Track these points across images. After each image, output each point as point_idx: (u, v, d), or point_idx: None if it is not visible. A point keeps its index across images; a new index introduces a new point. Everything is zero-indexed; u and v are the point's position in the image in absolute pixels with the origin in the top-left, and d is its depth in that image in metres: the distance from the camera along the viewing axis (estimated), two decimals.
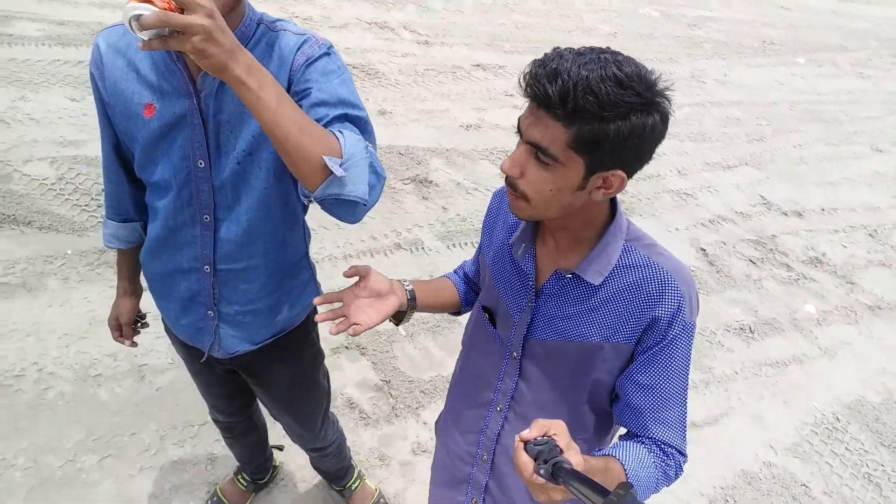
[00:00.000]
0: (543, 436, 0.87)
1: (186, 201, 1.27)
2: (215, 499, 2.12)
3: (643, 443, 1.10)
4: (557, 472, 0.82)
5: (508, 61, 5.53)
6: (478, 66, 5.30)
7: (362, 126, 1.15)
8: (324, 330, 1.75)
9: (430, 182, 3.87)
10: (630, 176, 1.00)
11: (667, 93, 0.95)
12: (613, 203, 1.12)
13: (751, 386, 3.21)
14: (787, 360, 3.43)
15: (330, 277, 3.04)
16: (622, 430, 1.20)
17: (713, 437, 2.88)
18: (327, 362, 1.77)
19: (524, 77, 0.95)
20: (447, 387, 2.73)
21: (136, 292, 1.62)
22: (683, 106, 5.73)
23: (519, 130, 1.00)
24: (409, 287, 1.28)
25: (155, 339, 2.59)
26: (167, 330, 1.58)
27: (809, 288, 4.01)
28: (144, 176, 1.30)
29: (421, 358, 2.83)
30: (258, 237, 1.33)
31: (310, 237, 1.52)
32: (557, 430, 0.88)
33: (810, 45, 8.08)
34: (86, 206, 3.07)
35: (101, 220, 1.52)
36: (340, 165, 1.02)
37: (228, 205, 1.28)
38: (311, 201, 1.12)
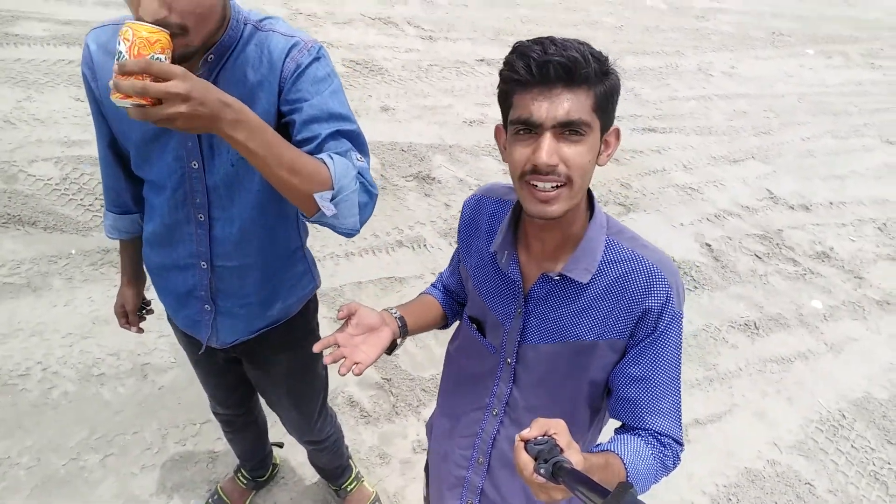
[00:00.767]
0: (544, 435, 0.87)
1: (181, 200, 1.29)
2: (216, 497, 2.14)
3: (640, 435, 1.11)
4: (558, 471, 0.82)
5: None
6: (482, 60, 5.28)
7: (354, 138, 1.17)
8: (327, 324, 1.76)
9: (433, 179, 3.87)
10: None
11: None
12: (591, 200, 1.13)
13: (755, 383, 3.18)
14: (793, 356, 3.40)
15: (332, 275, 3.05)
16: (615, 423, 1.21)
17: (716, 435, 2.87)
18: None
19: (530, 64, 0.94)
20: None
21: (140, 280, 1.65)
22: (690, 99, 5.68)
23: (530, 125, 0.97)
24: (398, 314, 1.27)
25: (158, 337, 2.61)
26: (169, 319, 1.61)
27: (816, 283, 3.98)
28: (140, 173, 1.32)
29: (422, 356, 2.83)
30: (253, 236, 1.34)
31: (306, 231, 1.53)
32: (558, 429, 0.88)
33: (820, 36, 7.98)
34: (90, 205, 3.09)
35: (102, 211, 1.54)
36: (331, 200, 1.07)
37: (223, 204, 1.29)
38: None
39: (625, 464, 1.04)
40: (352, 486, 2.19)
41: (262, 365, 1.61)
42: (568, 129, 0.96)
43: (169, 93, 0.87)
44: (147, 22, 0.93)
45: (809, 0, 9.30)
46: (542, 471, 0.84)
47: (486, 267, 1.23)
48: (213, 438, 2.34)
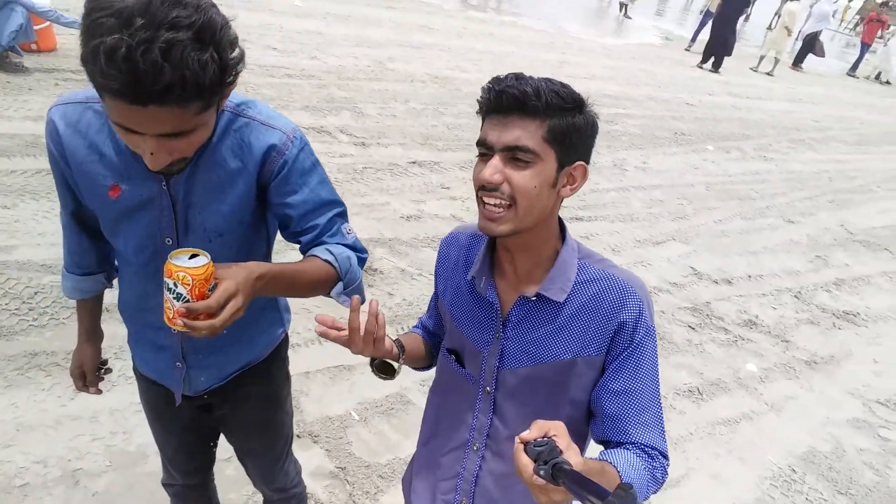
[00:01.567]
0: (543, 437, 0.87)
1: (151, 274, 1.27)
2: None
3: (628, 448, 1.12)
4: (557, 473, 0.82)
5: (442, 158, 5.79)
6: (413, 162, 5.52)
7: (342, 215, 1.34)
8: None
9: (375, 270, 3.91)
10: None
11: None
12: (562, 226, 1.19)
13: (706, 445, 3.23)
14: (738, 417, 3.49)
15: None
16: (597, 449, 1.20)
17: (678, 500, 2.85)
18: None
19: (490, 94, 1.04)
20: (404, 469, 2.65)
21: (98, 337, 1.59)
22: (609, 191, 6.08)
23: (486, 147, 1.06)
24: (395, 338, 1.31)
25: (91, 441, 2.43)
26: (135, 370, 1.55)
27: (748, 348, 4.16)
28: (111, 242, 1.31)
29: (376, 442, 2.74)
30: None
31: None
32: (557, 430, 0.89)
33: (717, 135, 8.83)
34: (16, 310, 2.93)
35: (61, 272, 1.49)
36: (344, 291, 1.29)
37: None
38: None
39: (619, 472, 1.04)
40: None
41: (233, 401, 1.55)
42: (514, 154, 1.03)
43: (236, 312, 1.04)
44: (191, 256, 1.05)
45: (700, 106, 10.35)
46: (541, 472, 0.83)
47: (463, 297, 1.26)
48: None
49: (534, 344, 1.16)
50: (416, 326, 1.50)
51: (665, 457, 1.14)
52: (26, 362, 2.68)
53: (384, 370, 1.32)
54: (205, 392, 1.48)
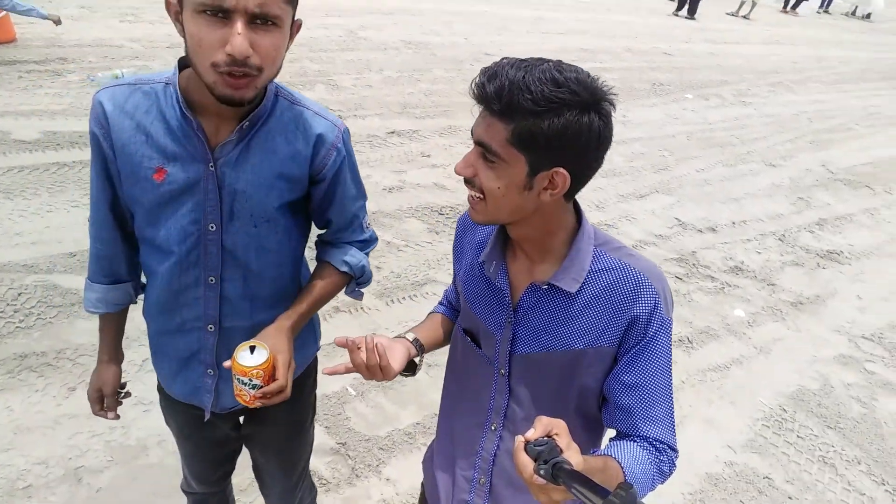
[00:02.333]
0: (545, 436, 0.87)
1: (193, 263, 1.26)
2: None
3: (635, 441, 1.11)
4: (558, 472, 0.82)
5: (421, 125, 5.74)
6: (392, 132, 5.47)
7: (363, 208, 1.43)
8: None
9: None
10: (578, 177, 1.02)
11: (609, 96, 0.98)
12: (578, 211, 1.14)
13: (699, 392, 3.29)
14: (728, 363, 3.55)
15: None
16: (611, 433, 1.21)
17: None
18: None
19: (472, 83, 1.00)
20: (405, 440, 2.69)
21: (119, 359, 1.52)
22: None
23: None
24: (412, 336, 1.30)
25: (90, 437, 2.44)
26: (160, 390, 1.53)
27: (735, 294, 4.22)
28: (145, 235, 1.27)
29: (374, 415, 2.77)
30: (267, 294, 1.33)
31: None
32: (558, 429, 0.88)
33: (696, 83, 8.79)
34: (1, 312, 2.91)
35: (85, 283, 1.42)
36: (357, 287, 1.46)
37: (239, 265, 1.28)
38: None
39: (622, 467, 1.04)
40: None
41: (259, 422, 1.56)
42: (484, 149, 1.00)
43: (293, 371, 1.26)
44: (251, 348, 1.19)
45: (678, 54, 10.28)
46: (541, 472, 0.83)
47: (476, 279, 1.24)
48: None
49: (545, 332, 1.14)
50: (440, 302, 1.49)
51: (674, 449, 1.13)
52: (17, 365, 2.67)
53: (406, 368, 1.30)
54: (231, 409, 1.46)
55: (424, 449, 2.65)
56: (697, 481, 2.76)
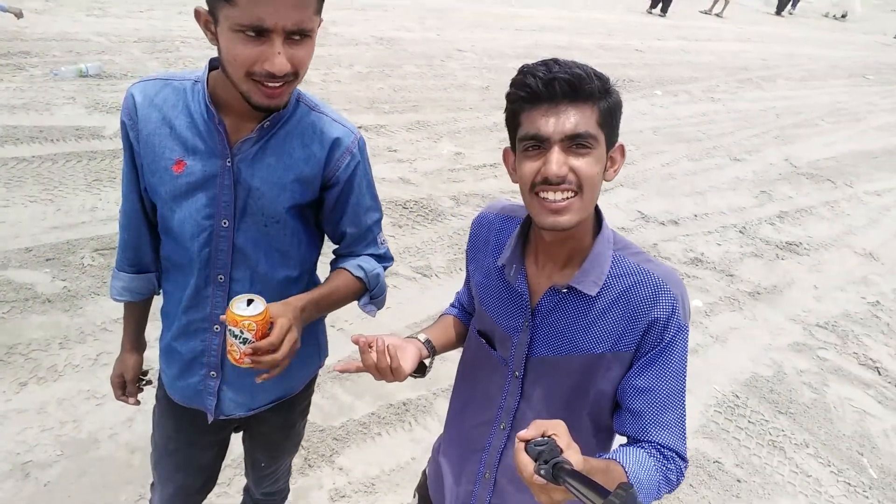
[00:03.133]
0: (544, 436, 0.87)
1: (205, 260, 1.28)
2: None
3: (643, 447, 1.10)
4: (558, 472, 0.82)
5: (389, 120, 5.75)
6: (359, 127, 5.46)
7: (379, 222, 1.42)
8: None
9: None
10: None
11: None
12: (599, 216, 1.16)
13: None
14: None
15: None
16: (621, 440, 1.20)
17: None
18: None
19: (537, 82, 1.00)
20: (360, 430, 2.71)
21: (142, 346, 1.56)
22: None
23: (538, 140, 1.02)
24: (424, 337, 1.30)
25: (40, 431, 2.43)
26: (159, 398, 1.53)
27: (694, 284, 4.29)
28: (165, 227, 1.30)
29: (330, 406, 2.79)
30: (275, 295, 1.30)
31: None
32: (557, 429, 0.88)
33: (665, 79, 8.90)
34: None
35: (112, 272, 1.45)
36: (371, 300, 1.42)
37: (248, 265, 1.29)
38: None
39: (626, 471, 1.03)
40: None
41: (261, 428, 1.59)
42: (575, 143, 1.01)
43: (294, 344, 1.16)
44: (248, 301, 1.14)
45: (649, 51, 10.39)
46: (542, 472, 0.83)
47: (492, 282, 1.24)
48: None
49: (564, 335, 1.15)
50: (452, 304, 1.47)
51: (683, 459, 1.11)
52: None
53: (416, 370, 1.28)
54: (230, 417, 1.47)
55: (379, 439, 2.68)
56: None
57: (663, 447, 1.10)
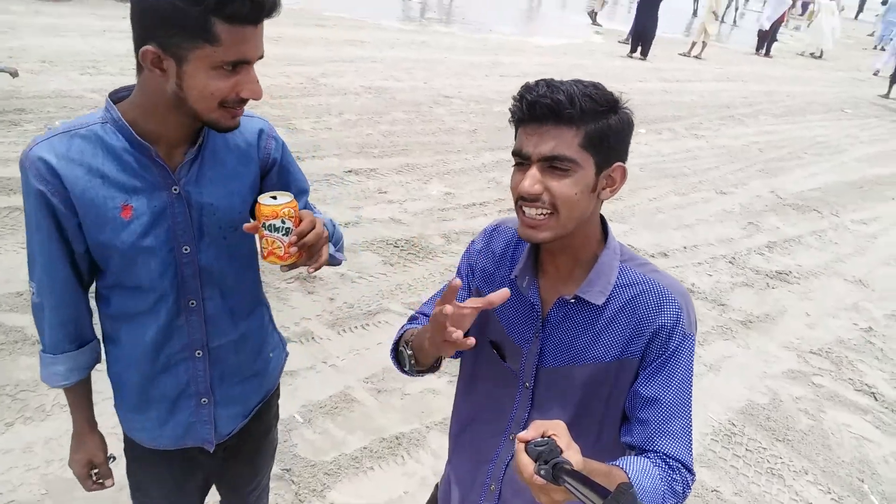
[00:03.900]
0: (543, 436, 0.87)
1: (174, 292, 1.26)
2: None
3: (648, 457, 1.09)
4: (558, 472, 0.82)
5: (379, 164, 5.84)
6: (350, 171, 5.56)
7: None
8: None
9: (315, 277, 3.92)
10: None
11: None
12: (605, 226, 1.20)
13: None
14: None
15: None
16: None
17: None
18: None
19: (523, 103, 1.05)
20: (351, 465, 2.67)
21: (96, 424, 1.44)
22: None
23: (522, 157, 1.08)
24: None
25: (25, 472, 2.39)
26: (136, 458, 1.47)
27: None
28: (122, 281, 1.24)
29: (322, 441, 2.75)
30: (244, 302, 1.37)
31: None
32: (557, 430, 0.88)
33: (649, 118, 9.09)
34: None
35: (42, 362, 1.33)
36: (336, 248, 1.41)
37: (215, 281, 1.30)
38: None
39: (629, 477, 1.03)
40: None
41: (245, 440, 1.55)
42: (551, 164, 1.04)
43: (321, 235, 1.20)
44: (272, 198, 1.17)
45: (632, 92, 10.64)
46: (542, 472, 0.83)
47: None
48: None
49: (573, 345, 1.17)
50: (414, 320, 1.40)
51: (689, 470, 1.11)
52: None
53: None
54: (227, 437, 1.46)
55: (371, 473, 2.65)
56: None
57: (669, 457, 1.09)
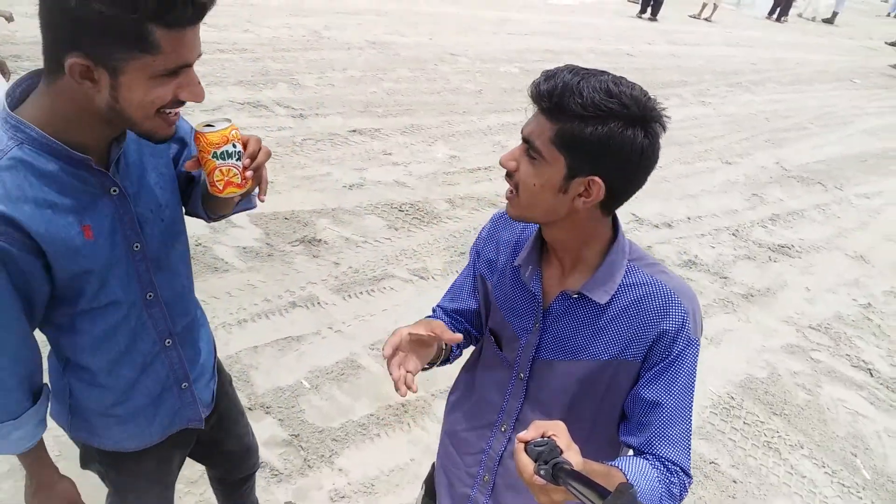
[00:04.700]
0: (543, 436, 0.87)
1: (142, 299, 1.24)
2: None
3: (647, 459, 1.10)
4: (558, 472, 0.82)
5: (383, 124, 5.76)
6: (354, 131, 5.48)
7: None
8: None
9: (319, 241, 3.91)
10: (616, 191, 1.04)
11: (660, 118, 1.02)
12: (615, 224, 1.16)
13: None
14: None
15: (226, 344, 2.96)
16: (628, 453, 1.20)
17: None
18: None
19: (532, 87, 1.04)
20: (359, 431, 2.71)
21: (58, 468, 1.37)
22: None
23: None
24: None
25: None
26: (124, 469, 1.46)
27: None
28: (101, 301, 1.18)
29: (329, 407, 2.78)
30: (187, 280, 1.37)
31: None
32: (557, 430, 0.88)
33: (656, 83, 8.95)
34: None
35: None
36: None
37: (163, 266, 1.27)
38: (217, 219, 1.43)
39: (627, 478, 1.03)
40: None
41: (220, 412, 1.60)
42: (528, 145, 1.04)
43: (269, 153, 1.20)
44: (206, 125, 1.12)
45: (640, 55, 10.46)
46: (542, 472, 0.83)
47: (507, 280, 1.25)
48: None
49: (572, 340, 1.16)
50: (435, 315, 1.41)
51: (687, 474, 1.11)
52: None
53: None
54: (212, 405, 1.51)
55: (378, 440, 2.68)
56: None
57: (667, 461, 1.10)
